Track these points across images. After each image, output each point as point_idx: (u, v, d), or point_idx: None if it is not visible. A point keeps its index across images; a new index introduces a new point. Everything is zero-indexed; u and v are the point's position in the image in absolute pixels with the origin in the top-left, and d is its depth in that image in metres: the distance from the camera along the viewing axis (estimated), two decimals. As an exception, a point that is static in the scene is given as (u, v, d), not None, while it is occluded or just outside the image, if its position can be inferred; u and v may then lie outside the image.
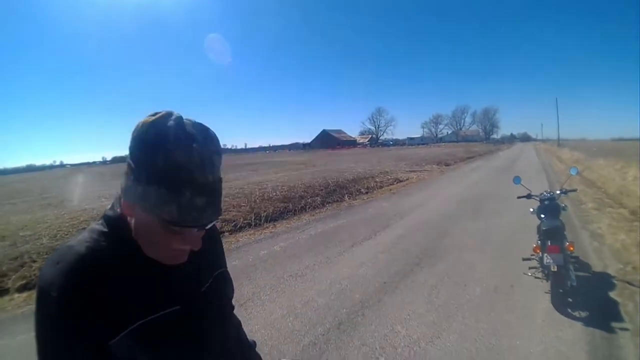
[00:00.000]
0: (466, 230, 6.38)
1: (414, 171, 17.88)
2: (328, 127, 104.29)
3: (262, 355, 2.50)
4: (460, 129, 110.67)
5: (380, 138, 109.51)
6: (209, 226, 0.70)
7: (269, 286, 4.28)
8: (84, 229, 0.78)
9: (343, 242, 6.01)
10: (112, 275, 0.68)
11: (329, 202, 9.91)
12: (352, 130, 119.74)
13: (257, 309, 3.72)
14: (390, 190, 12.09)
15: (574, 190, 4.83)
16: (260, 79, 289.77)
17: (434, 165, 21.34)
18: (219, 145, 0.70)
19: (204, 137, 0.66)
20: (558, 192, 4.37)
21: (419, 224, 6.98)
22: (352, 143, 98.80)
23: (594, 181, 11.47)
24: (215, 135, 0.69)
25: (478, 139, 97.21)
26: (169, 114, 0.66)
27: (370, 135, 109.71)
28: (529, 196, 4.47)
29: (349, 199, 10.54)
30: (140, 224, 0.69)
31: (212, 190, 0.66)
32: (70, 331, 0.64)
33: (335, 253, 5.45)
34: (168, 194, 0.62)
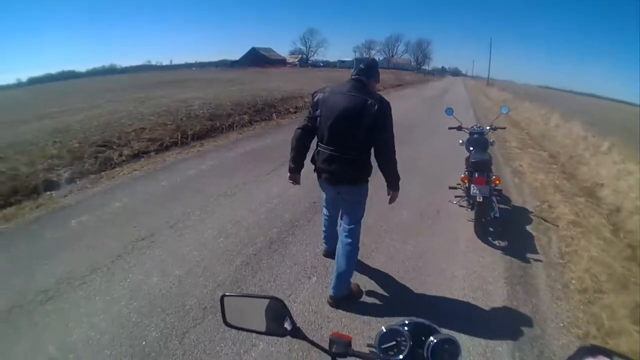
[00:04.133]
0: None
1: (343, 93, 17.56)
2: (257, 45, 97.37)
3: (196, 278, 2.65)
4: (392, 56, 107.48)
5: (311, 59, 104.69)
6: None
7: (199, 207, 4.05)
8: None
9: (273, 161, 5.72)
10: None
11: (257, 121, 9.64)
12: (282, 50, 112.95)
13: (187, 230, 3.51)
14: (319, 110, 11.96)
15: (503, 128, 4.97)
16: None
17: (363, 89, 21.03)
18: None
19: None
20: (487, 127, 4.42)
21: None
22: (281, 62, 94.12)
23: (519, 122, 12.02)
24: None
25: (409, 68, 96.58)
26: None
27: (300, 55, 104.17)
28: (459, 128, 4.46)
29: (277, 118, 10.34)
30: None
31: None
32: None
33: (264, 172, 5.22)
34: None
